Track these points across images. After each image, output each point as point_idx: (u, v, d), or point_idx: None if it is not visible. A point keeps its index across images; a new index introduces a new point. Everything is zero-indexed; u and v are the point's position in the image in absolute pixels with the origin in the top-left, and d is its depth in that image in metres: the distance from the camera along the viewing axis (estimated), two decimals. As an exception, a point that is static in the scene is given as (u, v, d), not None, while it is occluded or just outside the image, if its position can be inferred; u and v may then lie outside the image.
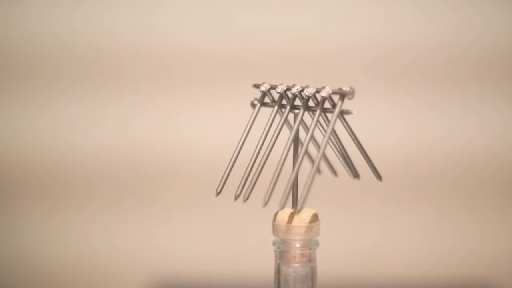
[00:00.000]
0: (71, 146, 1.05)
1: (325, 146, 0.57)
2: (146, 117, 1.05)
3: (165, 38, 1.03)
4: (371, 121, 1.03)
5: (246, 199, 0.58)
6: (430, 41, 1.02)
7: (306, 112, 0.60)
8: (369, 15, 1.02)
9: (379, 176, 0.62)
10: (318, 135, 0.60)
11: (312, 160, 0.63)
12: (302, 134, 0.59)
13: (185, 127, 1.05)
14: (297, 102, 0.60)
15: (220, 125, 1.04)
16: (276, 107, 0.61)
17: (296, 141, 0.60)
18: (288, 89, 0.60)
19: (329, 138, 0.57)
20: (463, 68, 1.03)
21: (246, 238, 1.05)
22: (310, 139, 0.58)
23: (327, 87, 0.58)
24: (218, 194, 0.60)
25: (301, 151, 0.57)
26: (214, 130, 1.04)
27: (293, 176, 0.58)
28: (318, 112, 0.59)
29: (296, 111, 0.60)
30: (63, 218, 1.06)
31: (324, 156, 0.62)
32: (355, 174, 0.63)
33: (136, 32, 1.03)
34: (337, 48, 1.03)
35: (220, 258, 1.06)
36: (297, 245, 0.59)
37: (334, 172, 0.66)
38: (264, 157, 0.58)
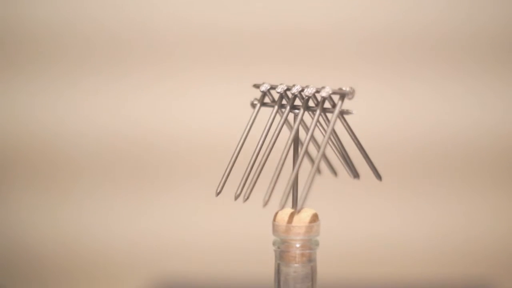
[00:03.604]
0: (67, 129, 1.04)
1: (325, 146, 0.57)
2: (144, 100, 1.04)
3: (168, 18, 1.03)
4: (369, 105, 1.03)
5: (246, 199, 0.58)
6: (426, 20, 1.02)
7: (306, 112, 0.60)
8: None
9: (379, 176, 0.62)
10: (318, 135, 0.60)
11: (312, 160, 0.63)
12: (302, 134, 0.59)
13: (188, 114, 1.04)
14: (297, 102, 0.60)
15: (222, 114, 1.04)
16: (276, 107, 0.61)
17: (296, 141, 0.60)
18: (288, 89, 0.60)
19: (329, 138, 0.57)
20: (461, 48, 1.02)
21: (246, 238, 1.05)
22: (310, 139, 0.58)
23: (327, 87, 0.58)
24: (218, 194, 0.60)
25: (301, 151, 0.57)
26: (215, 120, 1.04)
27: (293, 176, 0.58)
28: (318, 112, 0.59)
29: (296, 111, 0.60)
30: (58, 206, 1.06)
31: (324, 156, 0.62)
32: (355, 174, 0.63)
33: (137, 12, 1.03)
34: (333, 28, 1.03)
35: (220, 258, 1.06)
36: (297, 245, 0.59)
37: (334, 172, 0.66)
38: (264, 157, 0.58)
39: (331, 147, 0.62)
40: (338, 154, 0.63)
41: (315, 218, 0.59)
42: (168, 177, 1.05)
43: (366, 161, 0.61)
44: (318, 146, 0.61)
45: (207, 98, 1.04)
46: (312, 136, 0.58)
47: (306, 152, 0.58)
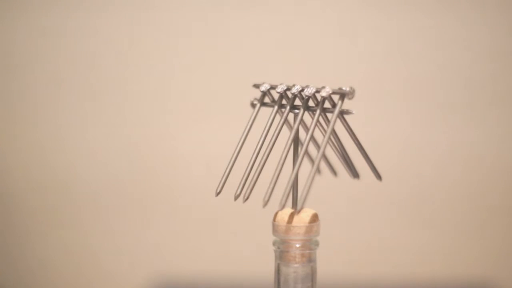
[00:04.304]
0: (69, 147, 1.05)
1: (325, 146, 0.57)
2: (143, 117, 1.04)
3: (168, 17, 1.03)
4: (371, 120, 1.03)
5: (246, 199, 0.58)
6: (427, 25, 1.02)
7: (306, 112, 0.60)
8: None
9: (379, 176, 0.62)
10: (318, 135, 0.60)
11: (312, 160, 0.63)
12: (302, 134, 0.59)
13: (186, 125, 1.05)
14: (297, 102, 0.60)
15: (221, 122, 1.04)
16: (276, 107, 0.61)
17: (296, 141, 0.60)
18: (288, 89, 0.60)
19: (329, 138, 0.57)
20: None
21: (246, 238, 1.05)
22: (310, 139, 0.58)
23: (327, 87, 0.58)
24: (218, 194, 0.60)
25: (301, 151, 0.57)
26: (214, 127, 1.04)
27: (293, 176, 0.57)
28: (318, 112, 0.59)
29: (296, 111, 0.60)
30: (62, 216, 1.06)
31: (324, 156, 0.62)
32: (355, 174, 0.63)
33: (137, 13, 1.03)
34: (332, 28, 1.03)
35: (220, 258, 1.06)
36: (297, 245, 0.59)
37: (334, 172, 0.66)
38: (264, 157, 0.58)
39: (331, 147, 0.62)
40: (338, 154, 0.63)
41: (315, 218, 0.59)
42: (169, 182, 1.05)
43: (366, 161, 0.61)
44: (318, 146, 0.61)
45: (207, 98, 1.04)
46: (312, 136, 0.58)
47: (306, 152, 0.58)
